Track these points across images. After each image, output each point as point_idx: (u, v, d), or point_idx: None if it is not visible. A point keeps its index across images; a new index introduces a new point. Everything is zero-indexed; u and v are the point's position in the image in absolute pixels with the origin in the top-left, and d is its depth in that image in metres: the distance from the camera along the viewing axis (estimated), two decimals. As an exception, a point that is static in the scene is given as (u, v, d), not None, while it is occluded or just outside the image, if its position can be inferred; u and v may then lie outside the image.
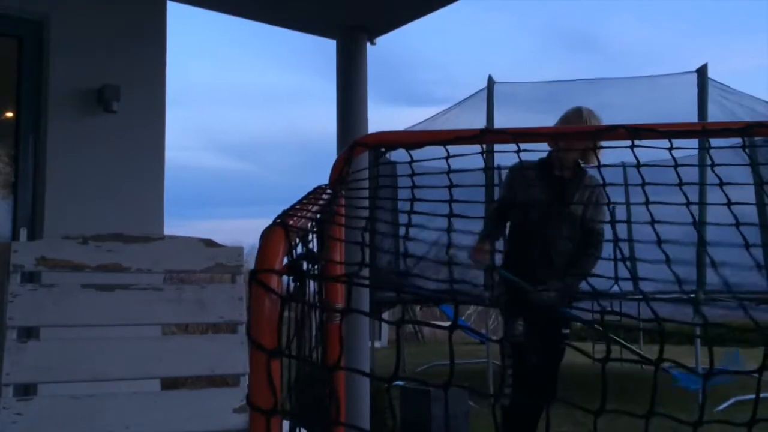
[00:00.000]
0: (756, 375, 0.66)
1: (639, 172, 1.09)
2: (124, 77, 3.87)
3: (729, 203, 1.02)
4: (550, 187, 3.24)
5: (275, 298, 0.65)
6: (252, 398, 0.64)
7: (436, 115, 9.15)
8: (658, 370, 0.71)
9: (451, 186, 1.03)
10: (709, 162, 1.03)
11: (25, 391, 2.22)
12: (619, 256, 1.01)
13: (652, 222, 0.96)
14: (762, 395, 0.62)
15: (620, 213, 6.25)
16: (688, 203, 1.01)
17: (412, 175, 0.99)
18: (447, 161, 1.07)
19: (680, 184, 1.01)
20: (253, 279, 0.64)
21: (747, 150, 1.09)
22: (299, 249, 0.73)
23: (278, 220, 0.71)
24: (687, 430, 0.68)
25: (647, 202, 1.00)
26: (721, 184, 1.02)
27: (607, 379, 0.68)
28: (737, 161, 1.05)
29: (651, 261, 0.82)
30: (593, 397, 0.75)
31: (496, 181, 6.90)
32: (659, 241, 0.91)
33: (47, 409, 1.94)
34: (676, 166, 1.06)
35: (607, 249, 3.51)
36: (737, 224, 0.99)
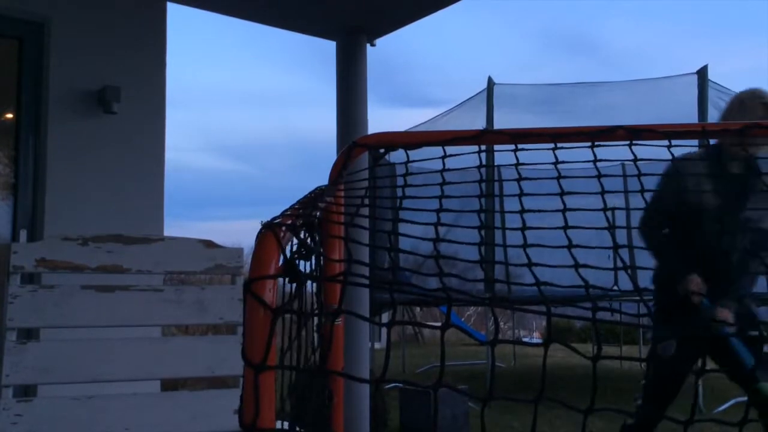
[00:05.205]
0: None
1: (636, 166, 1.08)
2: (125, 78, 3.88)
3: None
4: (724, 186, 2.75)
5: (268, 312, 0.63)
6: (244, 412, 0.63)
7: (437, 116, 9.17)
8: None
9: (448, 184, 1.03)
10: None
11: (25, 392, 2.21)
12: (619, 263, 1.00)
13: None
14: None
15: (620, 217, 6.25)
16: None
17: (409, 173, 0.99)
18: (443, 161, 1.07)
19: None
20: (247, 291, 0.63)
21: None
22: (295, 248, 0.73)
23: (270, 224, 0.70)
24: (688, 429, 0.68)
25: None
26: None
27: (606, 379, 0.68)
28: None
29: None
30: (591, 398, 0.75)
31: (496, 184, 6.88)
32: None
33: (47, 411, 1.94)
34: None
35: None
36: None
